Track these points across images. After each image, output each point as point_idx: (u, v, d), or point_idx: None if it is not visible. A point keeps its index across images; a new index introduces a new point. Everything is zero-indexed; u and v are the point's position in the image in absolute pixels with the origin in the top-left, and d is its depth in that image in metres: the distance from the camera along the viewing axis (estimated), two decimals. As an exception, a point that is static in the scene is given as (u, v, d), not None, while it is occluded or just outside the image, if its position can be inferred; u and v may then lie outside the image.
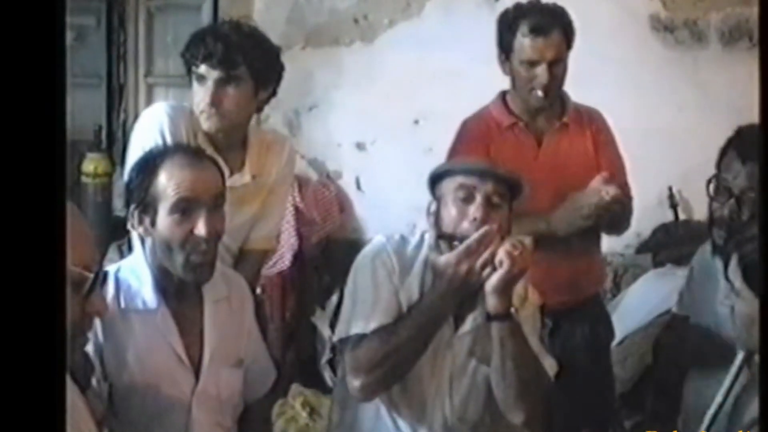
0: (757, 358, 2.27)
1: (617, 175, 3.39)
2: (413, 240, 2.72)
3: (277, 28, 5.13)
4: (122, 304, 2.49)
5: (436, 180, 2.68)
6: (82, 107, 5.31)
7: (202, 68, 3.03)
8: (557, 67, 3.29)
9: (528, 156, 3.36)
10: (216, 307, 2.60)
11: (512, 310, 2.54)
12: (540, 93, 3.30)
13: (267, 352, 2.85)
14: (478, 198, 2.57)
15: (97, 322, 2.38)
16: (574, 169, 3.32)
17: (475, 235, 2.50)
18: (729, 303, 2.24)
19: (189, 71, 3.09)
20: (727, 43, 4.77)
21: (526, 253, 2.49)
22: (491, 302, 2.51)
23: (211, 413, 2.58)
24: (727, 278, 2.25)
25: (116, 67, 5.72)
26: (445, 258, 2.55)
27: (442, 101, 5.06)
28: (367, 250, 2.72)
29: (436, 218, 2.64)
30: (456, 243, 2.54)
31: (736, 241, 2.24)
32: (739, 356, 2.30)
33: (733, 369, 2.33)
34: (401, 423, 2.66)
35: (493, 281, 2.49)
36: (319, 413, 4.53)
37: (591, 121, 3.46)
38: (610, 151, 3.45)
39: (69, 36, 5.39)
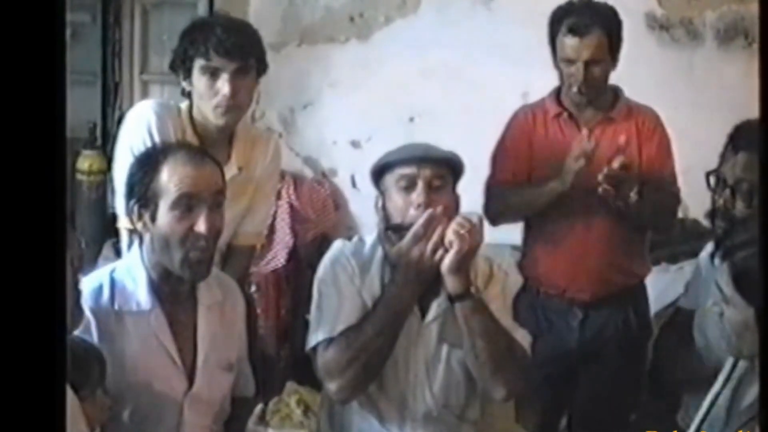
0: (744, 362, 2.27)
1: (658, 171, 3.44)
2: (370, 240, 2.76)
3: (273, 26, 5.13)
4: (116, 306, 2.48)
5: (377, 175, 2.72)
6: (77, 104, 5.25)
7: (216, 60, 2.98)
8: (595, 66, 3.35)
9: (567, 144, 3.41)
10: (209, 312, 2.60)
11: (471, 288, 2.57)
12: (575, 89, 3.37)
13: (249, 365, 2.85)
14: (420, 184, 2.61)
15: (92, 323, 2.39)
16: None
17: (420, 220, 2.55)
18: (718, 309, 2.23)
19: (188, 67, 3.04)
20: (723, 42, 4.77)
21: (474, 230, 2.54)
22: (449, 283, 2.56)
23: (201, 415, 2.59)
24: (717, 284, 2.23)
25: (111, 64, 5.70)
26: (396, 248, 2.59)
27: (438, 99, 5.06)
28: (326, 259, 2.77)
29: (384, 212, 2.68)
30: (405, 232, 2.57)
31: (726, 248, 2.23)
32: (730, 360, 2.30)
33: (724, 372, 2.32)
34: (385, 420, 2.69)
35: (447, 262, 2.53)
36: (314, 411, 4.52)
37: (640, 117, 3.50)
38: (654, 147, 3.47)
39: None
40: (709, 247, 2.77)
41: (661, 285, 4.01)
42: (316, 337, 2.63)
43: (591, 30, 3.32)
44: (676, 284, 3.91)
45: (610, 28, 3.38)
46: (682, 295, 2.94)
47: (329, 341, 2.59)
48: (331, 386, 2.61)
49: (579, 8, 3.38)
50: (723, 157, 2.70)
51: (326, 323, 2.62)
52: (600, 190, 3.22)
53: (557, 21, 3.40)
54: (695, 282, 2.85)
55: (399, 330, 2.60)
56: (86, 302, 2.32)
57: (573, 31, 3.33)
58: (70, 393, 1.93)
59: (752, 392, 2.21)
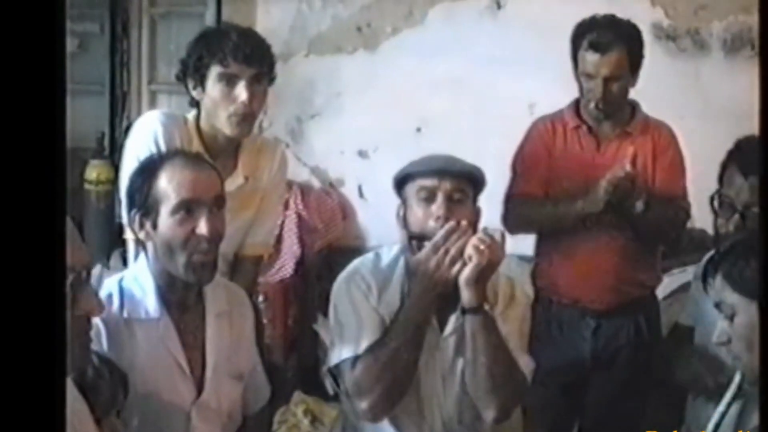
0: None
1: (669, 186, 3.46)
2: (389, 254, 2.77)
3: (280, 36, 5.13)
4: (126, 314, 2.49)
5: (399, 184, 2.73)
6: (85, 114, 5.31)
7: (234, 67, 2.97)
8: (614, 83, 3.38)
9: (586, 157, 3.47)
10: (218, 321, 2.60)
11: (486, 305, 2.57)
12: (592, 105, 3.40)
13: (263, 369, 2.84)
14: (440, 197, 2.62)
15: (102, 332, 2.39)
16: None
17: (441, 232, 2.56)
18: (723, 339, 2.16)
19: (201, 74, 3.02)
20: (729, 52, 4.77)
21: (495, 246, 2.54)
22: (465, 295, 2.56)
23: (210, 424, 2.59)
24: (717, 306, 2.16)
25: (119, 74, 5.72)
26: (416, 257, 2.60)
27: (445, 109, 5.06)
28: (341, 276, 2.78)
29: (404, 221, 2.68)
30: (425, 243, 2.59)
31: (715, 263, 2.15)
32: (737, 376, 2.27)
33: (730, 391, 2.30)
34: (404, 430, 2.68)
35: (464, 275, 2.53)
36: (321, 421, 4.53)
37: (656, 132, 3.51)
38: (667, 162, 3.49)
39: (72, 43, 5.41)
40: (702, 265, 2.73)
41: (664, 284, 4.02)
42: (339, 354, 2.63)
43: (612, 47, 3.34)
44: (676, 282, 3.94)
45: (632, 45, 3.39)
46: (680, 312, 2.93)
47: (355, 359, 2.59)
48: (363, 404, 2.60)
49: (602, 24, 3.40)
50: (725, 178, 2.67)
51: (349, 341, 2.62)
52: (601, 193, 3.24)
53: (580, 35, 3.41)
54: (692, 299, 2.82)
55: (421, 341, 2.61)
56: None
57: (594, 47, 3.35)
58: (86, 410, 1.93)
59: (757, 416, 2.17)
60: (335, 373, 2.67)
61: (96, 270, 4.27)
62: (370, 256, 2.82)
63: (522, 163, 3.57)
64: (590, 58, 3.36)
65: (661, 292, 3.79)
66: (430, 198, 2.63)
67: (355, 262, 2.80)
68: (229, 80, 2.99)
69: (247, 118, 3.02)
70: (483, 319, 2.56)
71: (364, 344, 2.59)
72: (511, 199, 3.54)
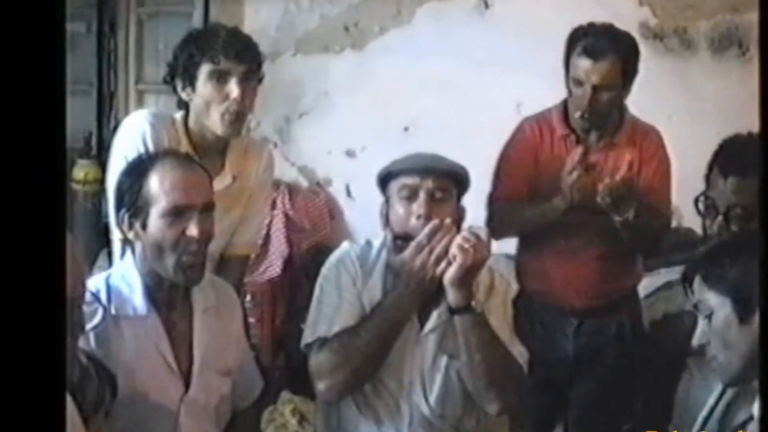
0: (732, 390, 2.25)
1: (652, 193, 3.43)
2: (377, 244, 2.77)
3: (268, 35, 5.14)
4: (113, 311, 2.47)
5: (383, 182, 2.73)
6: (73, 114, 5.26)
7: (225, 64, 2.97)
8: (603, 92, 3.31)
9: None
10: (205, 316, 2.60)
11: (473, 302, 2.57)
12: (578, 115, 3.35)
13: (254, 362, 2.85)
14: (421, 195, 2.62)
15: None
16: None
17: (425, 231, 2.55)
18: (704, 342, 2.16)
19: (191, 74, 3.02)
20: (717, 51, 4.77)
21: (480, 245, 2.53)
22: (451, 296, 2.55)
23: (198, 421, 2.58)
24: (696, 307, 2.16)
25: (107, 73, 5.71)
26: (400, 256, 2.60)
27: (433, 108, 5.07)
28: (332, 257, 2.78)
29: (387, 219, 2.69)
30: (409, 242, 2.58)
31: (694, 265, 2.15)
32: (718, 387, 2.27)
33: (713, 397, 2.30)
34: (382, 423, 2.69)
35: (449, 275, 2.53)
36: (309, 420, 4.53)
37: (643, 140, 3.47)
38: (652, 170, 3.46)
39: (60, 43, 5.39)
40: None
41: (648, 281, 4.04)
42: (312, 333, 2.65)
43: (605, 54, 3.27)
44: (660, 280, 3.95)
45: (627, 56, 3.33)
46: (668, 301, 2.93)
47: (323, 342, 2.61)
48: (320, 385, 2.63)
49: (598, 31, 3.34)
50: (709, 180, 2.67)
51: (324, 322, 2.64)
52: (599, 200, 3.22)
53: (575, 40, 3.35)
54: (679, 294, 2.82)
55: (394, 338, 2.61)
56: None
57: (587, 52, 3.28)
58: (73, 409, 1.92)
59: (746, 410, 2.17)
60: (305, 351, 2.67)
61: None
62: (362, 242, 2.83)
63: (507, 166, 3.54)
64: (582, 63, 3.29)
65: (644, 290, 3.80)
66: (412, 196, 2.63)
67: (346, 246, 2.81)
68: (220, 77, 2.99)
69: (240, 115, 3.02)
70: (473, 318, 2.56)
71: (336, 328, 2.60)
72: (495, 203, 3.52)
